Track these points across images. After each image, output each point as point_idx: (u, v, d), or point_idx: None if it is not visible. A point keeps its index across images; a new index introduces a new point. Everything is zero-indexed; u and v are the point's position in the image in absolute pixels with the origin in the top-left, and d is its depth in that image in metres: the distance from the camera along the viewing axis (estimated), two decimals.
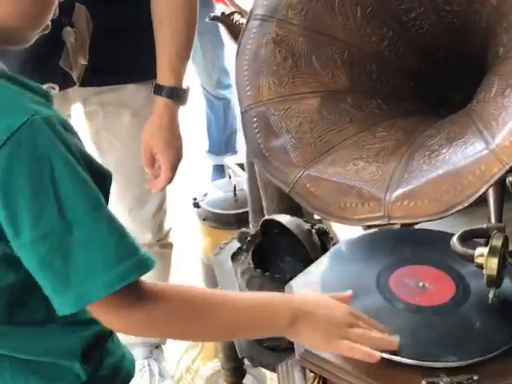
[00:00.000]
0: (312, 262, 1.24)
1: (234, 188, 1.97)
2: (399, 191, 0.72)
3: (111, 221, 0.67)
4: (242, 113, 0.87)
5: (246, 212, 1.92)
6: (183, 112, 3.34)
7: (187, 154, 3.07)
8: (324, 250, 1.23)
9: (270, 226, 1.30)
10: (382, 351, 0.74)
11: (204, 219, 1.98)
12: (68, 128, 0.69)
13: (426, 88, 0.92)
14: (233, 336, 0.80)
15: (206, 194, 2.01)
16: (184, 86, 1.20)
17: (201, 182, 2.89)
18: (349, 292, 0.83)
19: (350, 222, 0.74)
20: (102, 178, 0.72)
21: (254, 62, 0.88)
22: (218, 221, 1.96)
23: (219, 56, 2.58)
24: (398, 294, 0.95)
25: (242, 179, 2.08)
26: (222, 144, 2.79)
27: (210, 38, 2.49)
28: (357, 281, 0.99)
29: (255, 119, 0.86)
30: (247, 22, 0.91)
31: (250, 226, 1.77)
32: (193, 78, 2.73)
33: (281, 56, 0.88)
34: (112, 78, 1.26)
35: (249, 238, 1.30)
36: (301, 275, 1.06)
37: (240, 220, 1.95)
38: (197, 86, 2.73)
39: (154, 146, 1.18)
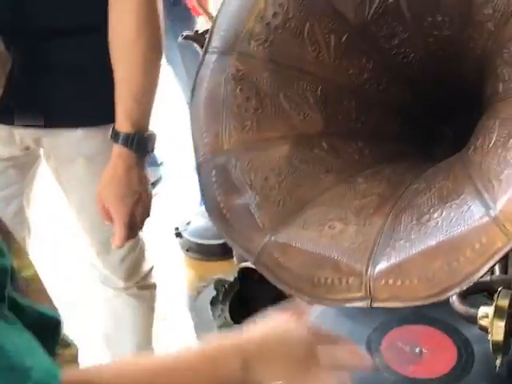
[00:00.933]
0: None
1: None
2: (383, 265, 0.59)
3: None
4: (197, 164, 0.74)
5: None
6: (170, 129, 3.20)
7: (175, 172, 2.93)
8: None
9: (250, 272, 1.18)
10: None
11: (187, 250, 1.86)
12: None
13: (413, 125, 0.79)
14: None
15: (188, 223, 1.89)
16: (146, 132, 1.05)
17: (190, 199, 2.77)
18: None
19: (324, 301, 0.61)
20: None
21: (212, 104, 0.75)
22: (203, 252, 1.84)
23: None
24: (391, 362, 0.83)
25: None
26: None
27: (192, 53, 2.36)
28: None
29: (214, 172, 0.73)
30: (203, 55, 0.78)
31: (235, 259, 1.65)
32: (178, 94, 2.61)
33: (243, 95, 0.74)
34: (55, 120, 1.14)
35: (226, 287, 1.18)
36: None
37: (226, 250, 1.83)
38: (183, 102, 2.61)
39: (104, 198, 1.05)
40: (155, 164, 2.78)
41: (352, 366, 0.66)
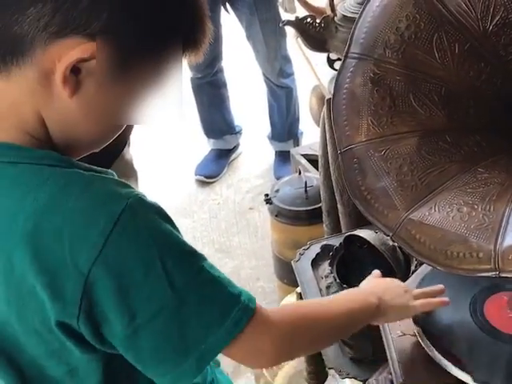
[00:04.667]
0: (395, 276, 1.27)
1: (305, 185, 2.00)
2: (509, 243, 0.73)
3: (214, 276, 0.71)
4: (340, 153, 0.89)
5: (317, 208, 1.95)
6: (248, 99, 3.35)
7: (252, 139, 3.07)
8: (408, 265, 1.25)
9: (353, 239, 1.33)
10: None
11: (276, 215, 2.02)
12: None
13: None
14: (340, 338, 0.98)
15: (277, 190, 2.05)
16: None
17: (264, 165, 2.93)
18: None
19: (456, 271, 0.76)
20: None
21: (352, 102, 0.89)
22: (290, 217, 2.00)
23: (282, 45, 2.58)
24: (492, 321, 0.97)
25: (311, 175, 2.10)
26: (284, 131, 2.80)
27: (273, 28, 2.48)
28: (449, 308, 1.02)
29: (355, 160, 0.87)
30: (344, 59, 0.92)
31: (324, 226, 1.80)
32: (255, 67, 2.74)
33: (379, 96, 0.89)
34: None
35: (333, 252, 1.33)
36: None
37: (311, 216, 1.99)
38: (259, 74, 2.75)
39: None
40: (233, 131, 2.93)
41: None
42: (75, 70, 0.65)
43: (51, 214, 0.65)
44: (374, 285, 0.94)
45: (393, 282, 0.95)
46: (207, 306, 0.69)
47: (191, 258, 0.70)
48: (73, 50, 0.64)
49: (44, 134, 0.69)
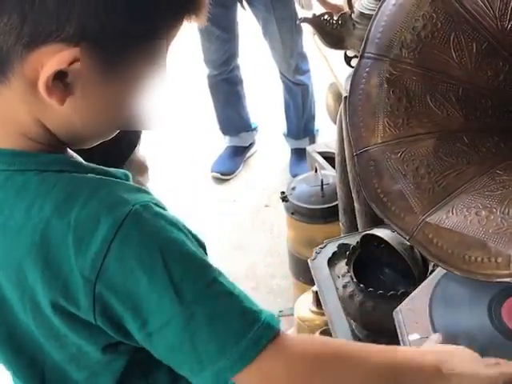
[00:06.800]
0: (412, 275, 1.25)
1: (321, 183, 1.99)
2: None
3: (229, 290, 0.66)
4: (356, 155, 0.88)
5: (333, 206, 1.94)
6: (264, 96, 3.34)
7: (268, 137, 3.07)
8: (425, 265, 1.24)
9: (369, 238, 1.32)
10: None
11: (292, 213, 2.01)
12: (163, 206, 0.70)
13: None
14: None
15: (294, 188, 2.04)
16: None
17: (280, 163, 2.92)
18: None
19: (475, 276, 0.75)
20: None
21: (368, 103, 0.88)
22: (306, 215, 1.99)
23: (298, 42, 2.56)
24: (510, 324, 0.96)
25: (327, 173, 2.09)
26: (300, 129, 2.79)
27: (289, 25, 2.47)
28: (466, 310, 1.00)
29: (371, 162, 0.86)
30: (359, 59, 0.91)
31: (340, 224, 1.79)
32: (271, 64, 2.73)
33: (395, 97, 0.87)
34: None
35: (349, 251, 1.32)
36: (407, 300, 1.08)
37: (327, 214, 1.98)
38: (275, 71, 2.73)
39: None
40: (249, 129, 2.93)
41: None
42: (62, 75, 0.63)
43: (56, 222, 0.64)
44: (439, 348, 0.83)
45: (462, 349, 0.81)
46: (220, 321, 0.65)
47: (202, 270, 0.66)
48: (52, 58, 0.61)
49: (48, 137, 0.68)
